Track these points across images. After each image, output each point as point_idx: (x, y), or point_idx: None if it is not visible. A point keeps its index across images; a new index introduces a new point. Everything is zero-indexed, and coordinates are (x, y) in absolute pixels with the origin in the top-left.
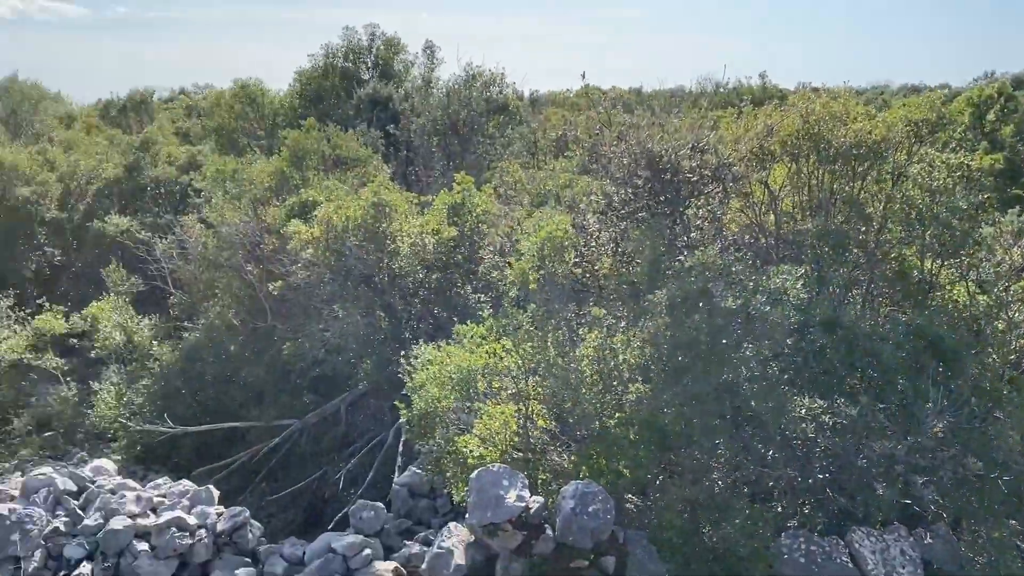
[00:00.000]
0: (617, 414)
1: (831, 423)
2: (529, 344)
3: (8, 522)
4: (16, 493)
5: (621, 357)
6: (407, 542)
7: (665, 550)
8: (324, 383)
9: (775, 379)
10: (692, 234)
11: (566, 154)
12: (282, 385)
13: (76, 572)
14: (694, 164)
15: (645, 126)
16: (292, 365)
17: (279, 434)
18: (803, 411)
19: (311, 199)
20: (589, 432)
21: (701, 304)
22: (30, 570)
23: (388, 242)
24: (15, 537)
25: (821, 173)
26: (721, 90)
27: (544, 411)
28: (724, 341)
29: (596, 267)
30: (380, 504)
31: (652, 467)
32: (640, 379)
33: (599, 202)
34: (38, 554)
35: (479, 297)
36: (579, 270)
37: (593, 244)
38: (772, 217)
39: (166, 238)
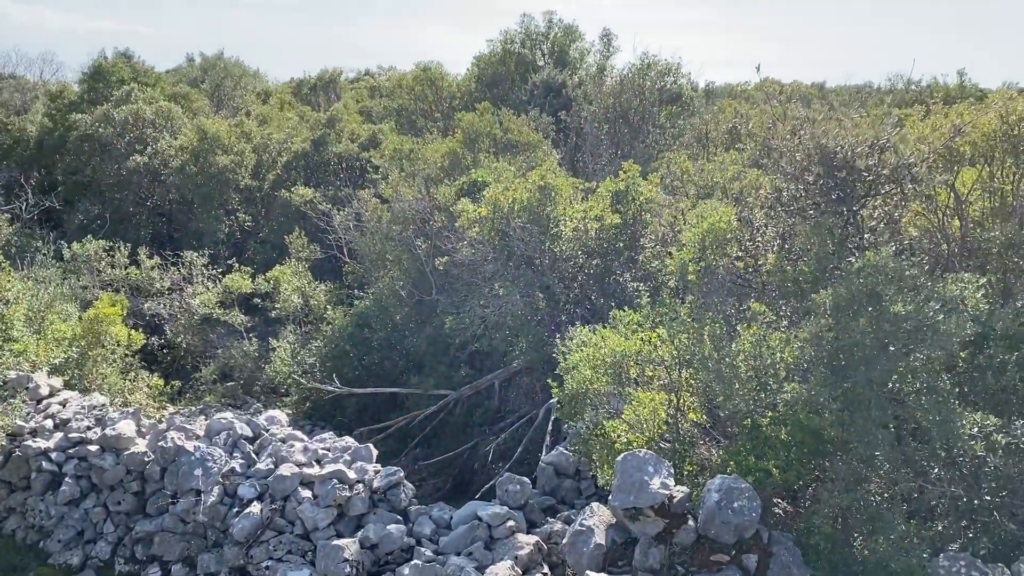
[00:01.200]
0: (770, 413)
1: (1004, 443)
2: (685, 336)
3: (193, 458)
4: (201, 433)
5: (779, 355)
6: (550, 519)
7: (811, 555)
8: (481, 358)
9: (945, 392)
10: (865, 235)
11: (737, 147)
12: (441, 356)
13: (247, 509)
14: (871, 163)
15: (822, 121)
16: (452, 338)
17: (435, 403)
18: (975, 428)
19: (480, 180)
20: (740, 429)
21: (869, 308)
22: (208, 503)
23: (551, 225)
24: (198, 472)
25: (1017, 178)
26: (912, 87)
27: (695, 404)
28: (891, 348)
29: (759, 262)
30: (526, 479)
31: (803, 470)
32: (797, 379)
33: (767, 197)
34: (216, 490)
35: (638, 286)
36: (741, 264)
37: (758, 239)
38: (956, 222)
39: (344, 210)
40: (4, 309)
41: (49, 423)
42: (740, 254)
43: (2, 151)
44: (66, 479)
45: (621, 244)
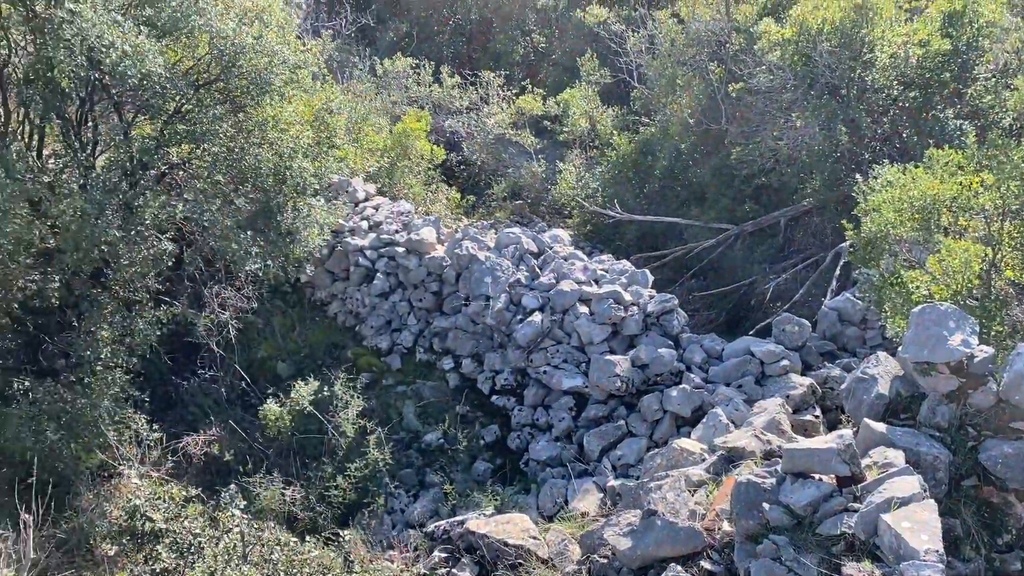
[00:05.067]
0: None
1: None
2: (1016, 182)
3: (484, 267)
4: (491, 245)
5: None
6: (827, 364)
7: None
8: (767, 193)
9: None
10: None
11: None
12: (725, 189)
13: (530, 318)
14: None
15: None
16: (738, 170)
17: (715, 236)
18: None
19: None
20: None
21: None
22: (496, 308)
23: (865, 51)
24: (488, 280)
25: None
26: None
27: (1016, 260)
28: None
29: None
30: (806, 322)
31: None
32: None
33: None
34: (503, 297)
35: (962, 123)
36: None
37: None
38: None
39: (638, 32)
40: (329, 118)
41: (364, 224)
42: None
43: None
44: (378, 274)
45: (947, 75)
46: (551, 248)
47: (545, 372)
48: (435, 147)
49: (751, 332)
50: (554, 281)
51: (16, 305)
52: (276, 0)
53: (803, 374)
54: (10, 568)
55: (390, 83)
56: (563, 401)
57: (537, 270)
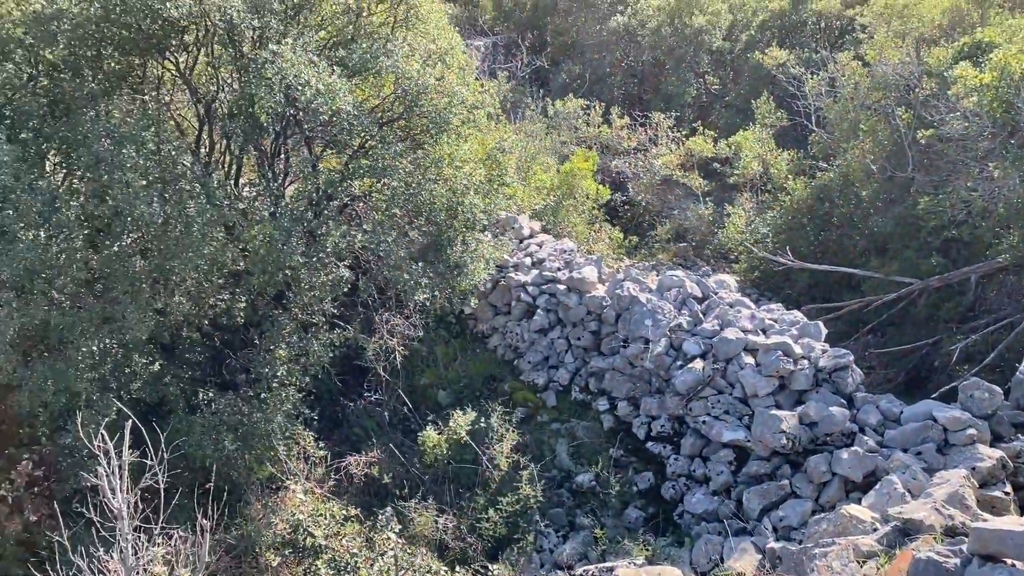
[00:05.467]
0: None
1: None
2: None
3: (644, 309)
4: (653, 287)
5: None
6: (1020, 436)
7: None
8: (957, 247)
9: None
10: None
11: None
12: (909, 240)
13: (690, 364)
14: None
15: None
16: (925, 222)
17: (896, 290)
18: None
19: (987, 41)
20: None
21: None
22: (655, 352)
23: None
24: (648, 322)
25: None
26: None
27: None
28: None
29: None
30: (997, 389)
31: None
32: None
33: None
34: (663, 341)
35: None
36: None
37: None
38: None
39: (818, 75)
40: (501, 156)
41: (528, 260)
42: None
43: (503, 14)
44: (538, 310)
45: None
46: (716, 294)
47: (704, 422)
48: (601, 187)
49: (934, 395)
50: (718, 328)
51: (207, 321)
52: (458, 43)
53: (992, 445)
54: (187, 569)
55: (560, 123)
56: (722, 454)
57: (700, 315)
